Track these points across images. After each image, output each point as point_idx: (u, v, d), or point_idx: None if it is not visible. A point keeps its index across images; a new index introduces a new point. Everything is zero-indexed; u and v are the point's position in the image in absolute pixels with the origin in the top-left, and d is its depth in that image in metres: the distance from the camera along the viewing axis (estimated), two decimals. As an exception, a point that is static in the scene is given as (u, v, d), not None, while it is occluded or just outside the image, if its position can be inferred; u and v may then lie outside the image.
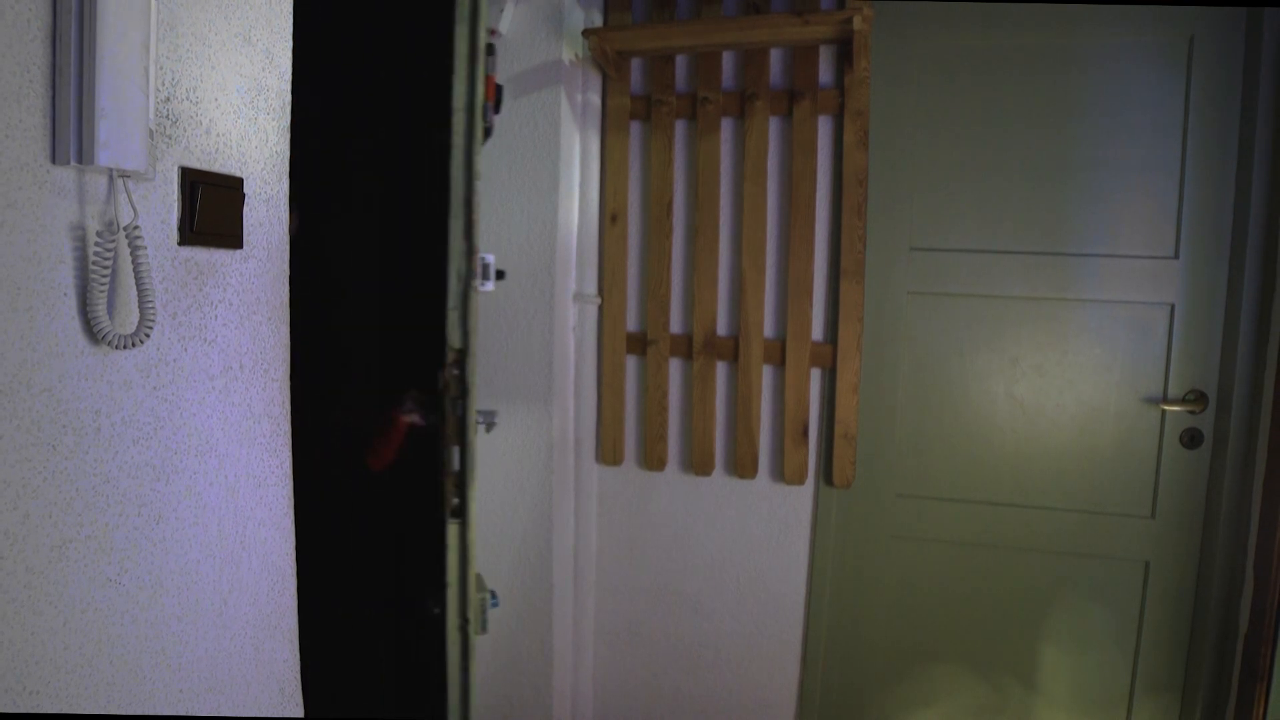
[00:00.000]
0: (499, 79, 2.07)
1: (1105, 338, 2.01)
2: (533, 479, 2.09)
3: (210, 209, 0.91)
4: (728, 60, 2.15)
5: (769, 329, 2.16)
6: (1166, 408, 1.97)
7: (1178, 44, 1.93)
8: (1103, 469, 2.03)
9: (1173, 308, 1.96)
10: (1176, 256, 1.95)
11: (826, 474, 2.15)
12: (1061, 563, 2.06)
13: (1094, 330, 2.02)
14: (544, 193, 2.06)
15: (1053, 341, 2.04)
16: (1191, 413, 1.96)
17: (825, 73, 2.09)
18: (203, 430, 0.94)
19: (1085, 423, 2.03)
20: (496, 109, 1.70)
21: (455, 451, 1.45)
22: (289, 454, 1.11)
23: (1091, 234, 2.00)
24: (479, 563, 1.49)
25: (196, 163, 0.91)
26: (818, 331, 2.13)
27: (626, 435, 2.28)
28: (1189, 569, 1.99)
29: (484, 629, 1.48)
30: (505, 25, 2.02)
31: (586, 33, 2.02)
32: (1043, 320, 2.05)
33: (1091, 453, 2.03)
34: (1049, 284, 2.03)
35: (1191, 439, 1.97)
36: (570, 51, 2.07)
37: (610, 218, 2.23)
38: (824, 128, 2.09)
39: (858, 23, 1.84)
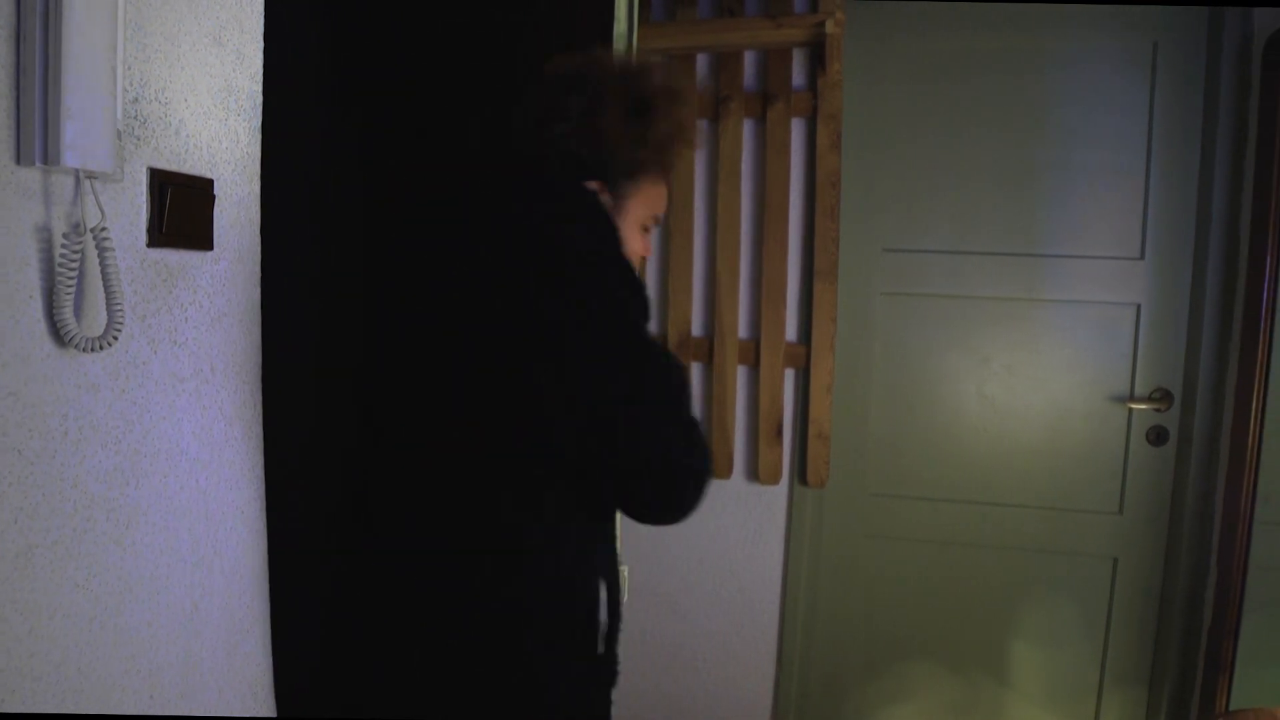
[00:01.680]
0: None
1: (1074, 337, 2.05)
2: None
3: (180, 210, 0.90)
4: (702, 62, 2.16)
5: (743, 330, 2.17)
6: (1133, 406, 2.01)
7: (1142, 50, 1.96)
8: (1071, 467, 2.06)
9: (1139, 308, 2.00)
10: (1142, 257, 1.99)
11: (801, 474, 2.16)
12: (1032, 559, 2.09)
13: (1063, 330, 2.05)
14: (519, 194, 2.06)
15: (1023, 341, 2.07)
16: (1157, 410, 1.99)
17: (799, 75, 2.10)
18: (173, 434, 0.93)
19: (1054, 421, 2.07)
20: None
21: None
22: (261, 457, 1.10)
23: (1060, 235, 2.04)
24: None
25: (166, 164, 0.90)
26: (792, 332, 2.15)
27: (602, 436, 2.28)
28: (1155, 564, 2.02)
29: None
30: (479, 26, 2.01)
31: (561, 34, 2.02)
32: (1013, 320, 2.08)
33: (1060, 451, 2.07)
34: (1019, 285, 2.06)
35: (1157, 436, 2.00)
36: (545, 53, 2.07)
37: (585, 219, 2.23)
38: (797, 130, 2.11)
39: (830, 26, 1.86)
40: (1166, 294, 1.98)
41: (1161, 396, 1.99)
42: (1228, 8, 1.88)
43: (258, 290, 1.08)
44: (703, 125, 2.16)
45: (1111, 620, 2.06)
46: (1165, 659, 2.01)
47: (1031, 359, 2.07)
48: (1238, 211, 1.88)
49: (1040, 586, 2.10)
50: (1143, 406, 2.00)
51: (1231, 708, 1.80)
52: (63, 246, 0.76)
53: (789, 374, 2.16)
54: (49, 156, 0.73)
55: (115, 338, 0.80)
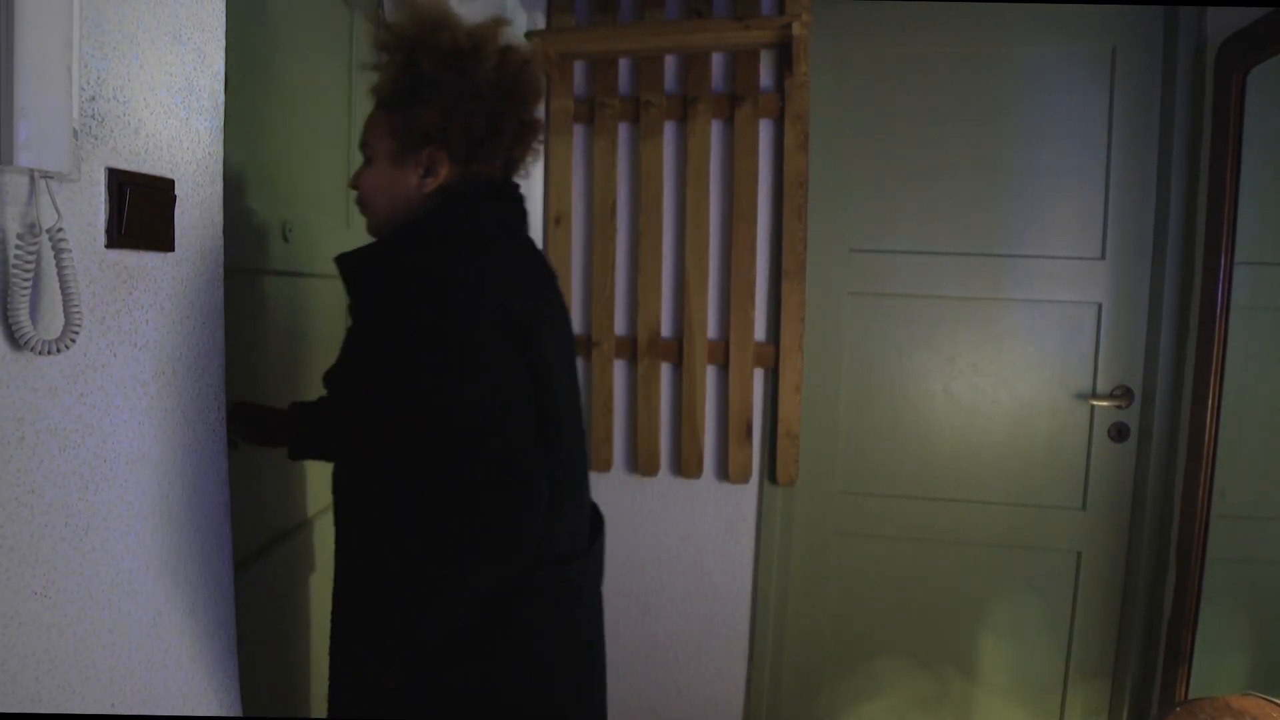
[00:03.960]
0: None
1: (1037, 336, 2.08)
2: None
3: (140, 211, 0.89)
4: (670, 64, 2.16)
5: (712, 330, 2.18)
6: (1095, 403, 2.04)
7: (1101, 54, 2.00)
8: (1036, 463, 2.10)
9: (1100, 307, 2.04)
10: (1103, 258, 2.03)
11: (770, 472, 2.18)
12: (998, 555, 2.13)
13: (1026, 329, 2.09)
14: (487, 195, 2.05)
15: (988, 340, 2.10)
16: (1119, 408, 2.03)
17: (766, 77, 2.12)
18: (134, 437, 0.92)
19: (1019, 418, 2.10)
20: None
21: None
22: (225, 460, 1.09)
23: (1023, 236, 2.07)
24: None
25: (125, 164, 0.89)
26: (760, 332, 2.16)
27: (573, 437, 2.27)
28: (1118, 558, 2.06)
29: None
30: (447, 26, 2.00)
31: (529, 35, 2.02)
32: (978, 320, 2.11)
33: (1025, 447, 2.10)
34: (983, 284, 2.09)
35: (1119, 433, 2.04)
36: (513, 53, 2.06)
37: (554, 220, 2.23)
38: (765, 131, 2.13)
39: (797, 28, 1.88)
40: (1126, 293, 2.02)
41: (1122, 394, 2.03)
42: (1182, 13, 1.92)
43: (220, 292, 1.07)
44: (671, 126, 2.17)
45: (1076, 613, 2.10)
46: (1127, 650, 2.05)
47: (996, 357, 2.10)
48: (1194, 212, 1.92)
49: (1006, 581, 2.13)
50: (1104, 404, 2.04)
51: (1191, 696, 1.84)
52: (17, 248, 0.74)
53: (758, 373, 2.17)
54: (2, 156, 0.72)
55: (73, 340, 0.79)
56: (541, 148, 1.29)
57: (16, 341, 0.75)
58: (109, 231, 0.87)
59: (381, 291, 1.05)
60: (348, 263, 1.10)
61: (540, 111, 1.22)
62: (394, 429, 1.02)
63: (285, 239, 1.57)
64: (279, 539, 1.73)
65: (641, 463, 2.22)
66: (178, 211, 0.97)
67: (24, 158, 0.73)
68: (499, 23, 1.15)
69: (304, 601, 1.50)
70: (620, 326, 2.23)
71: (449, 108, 1.10)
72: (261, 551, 1.70)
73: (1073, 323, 2.06)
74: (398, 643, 1.04)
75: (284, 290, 1.51)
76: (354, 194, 1.18)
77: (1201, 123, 1.91)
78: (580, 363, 2.25)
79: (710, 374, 2.19)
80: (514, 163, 1.21)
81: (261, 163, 1.42)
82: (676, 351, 2.19)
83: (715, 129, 2.15)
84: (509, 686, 1.08)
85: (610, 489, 2.27)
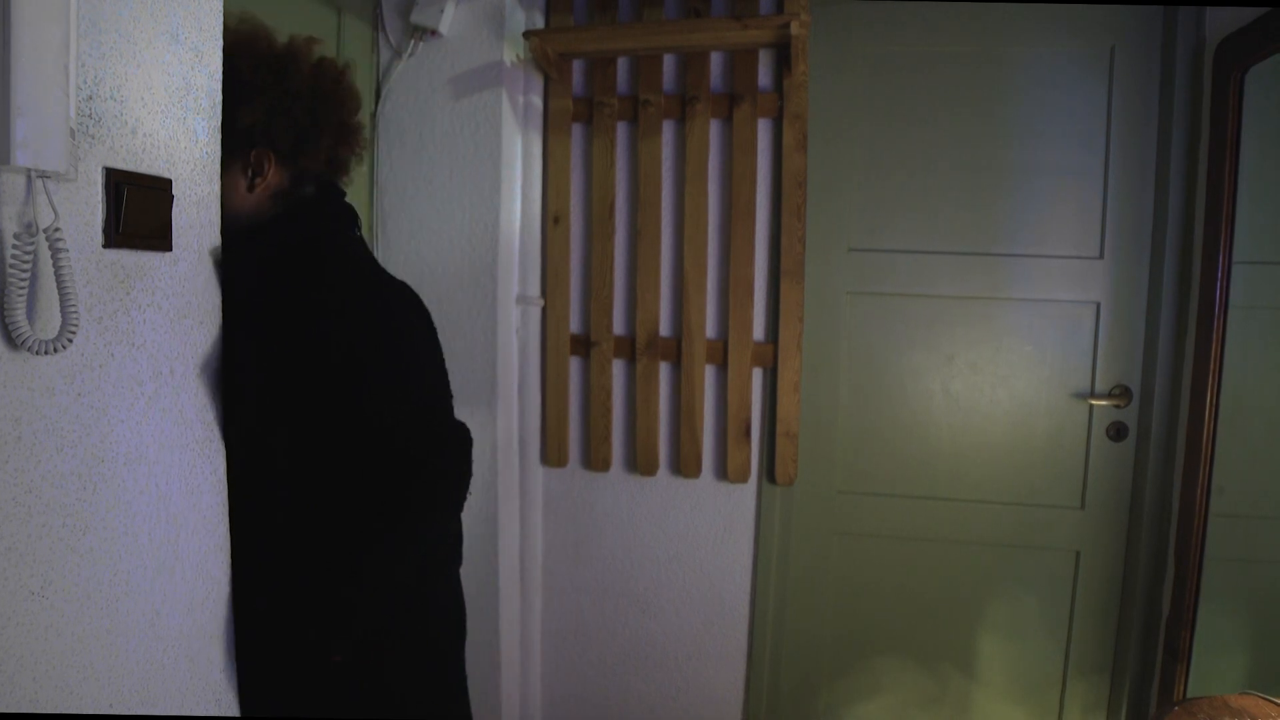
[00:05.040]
0: (440, 79, 2.05)
1: (1036, 335, 2.08)
2: (477, 482, 2.07)
3: (137, 211, 0.89)
4: (669, 63, 2.16)
5: (711, 329, 2.18)
6: (1093, 402, 2.04)
7: (1100, 54, 2.00)
8: (1034, 462, 2.10)
9: (1098, 306, 2.04)
10: (1101, 257, 2.03)
11: (769, 472, 2.18)
12: (997, 554, 2.13)
13: (1025, 328, 2.09)
14: (486, 195, 2.05)
15: (986, 339, 2.10)
16: (1117, 407, 2.03)
17: (765, 76, 2.12)
18: (131, 437, 0.92)
19: (1018, 418, 2.10)
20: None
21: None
22: (223, 460, 1.09)
23: (1022, 235, 2.07)
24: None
25: (122, 163, 0.89)
26: (759, 331, 2.16)
27: (571, 437, 2.28)
28: (1116, 557, 2.07)
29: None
30: (445, 26, 2.00)
31: (528, 34, 2.02)
32: (976, 319, 2.11)
33: (1024, 447, 2.10)
34: (982, 284, 2.09)
35: (1117, 432, 2.04)
36: (512, 53, 2.07)
37: (553, 220, 2.23)
38: (764, 130, 2.12)
39: (795, 28, 1.88)
40: (1125, 293, 2.02)
41: (1121, 393, 2.03)
42: (1181, 12, 1.92)
43: (218, 291, 1.07)
44: (670, 125, 2.17)
45: (1074, 612, 2.10)
46: (1126, 649, 2.05)
47: (995, 357, 2.10)
48: (1193, 212, 1.92)
49: (1005, 580, 2.13)
50: (1103, 403, 2.04)
51: (1189, 695, 1.84)
52: (14, 247, 0.74)
53: (756, 373, 2.17)
54: (-1, 155, 0.72)
55: (70, 340, 0.79)
56: (364, 154, 1.38)
57: (13, 341, 0.75)
58: (106, 231, 0.87)
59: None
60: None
61: (361, 118, 1.31)
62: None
63: None
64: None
65: (640, 462, 2.22)
66: (175, 211, 0.97)
67: (21, 157, 0.73)
68: (312, 40, 1.25)
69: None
70: (619, 326, 2.23)
71: (269, 107, 1.16)
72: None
73: (1071, 322, 2.06)
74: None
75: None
76: None
77: (1200, 122, 1.91)
78: (579, 362, 2.26)
79: (709, 373, 2.19)
80: (337, 163, 1.28)
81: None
82: (675, 351, 2.19)
83: (714, 128, 2.15)
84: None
85: (609, 489, 2.28)
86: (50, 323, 0.81)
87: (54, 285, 0.79)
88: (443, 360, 1.29)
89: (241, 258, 1.11)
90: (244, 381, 1.09)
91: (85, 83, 0.84)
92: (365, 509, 1.13)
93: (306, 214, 1.22)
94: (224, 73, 1.08)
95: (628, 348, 2.22)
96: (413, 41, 2.03)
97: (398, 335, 1.19)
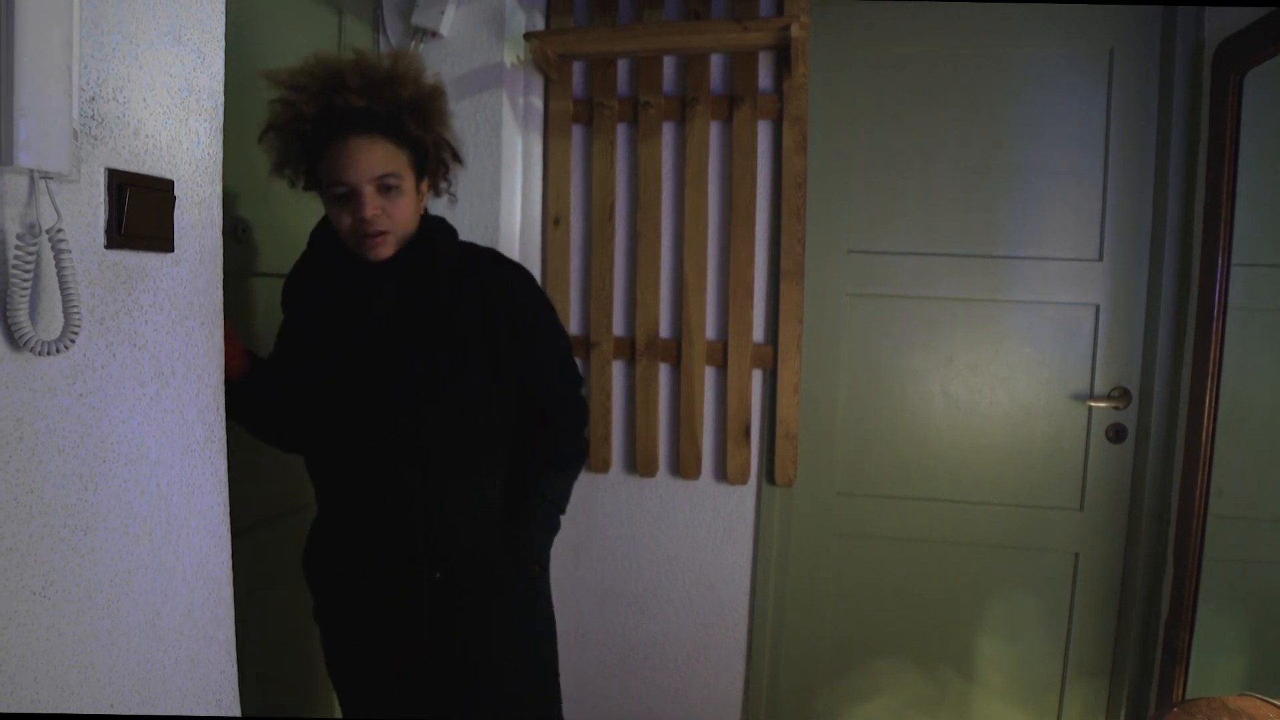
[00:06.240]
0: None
1: (1035, 337, 2.08)
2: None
3: (139, 212, 0.89)
4: (669, 65, 2.17)
5: (711, 331, 2.18)
6: (1093, 404, 2.05)
7: (1099, 56, 2.01)
8: (1034, 464, 2.10)
9: (1098, 308, 2.04)
10: (1101, 259, 2.03)
11: (769, 473, 2.18)
12: (996, 556, 2.13)
13: (1024, 330, 2.09)
14: (486, 196, 2.05)
15: (986, 341, 2.10)
16: (1116, 409, 2.04)
17: (765, 78, 2.12)
18: (133, 437, 0.92)
19: (1017, 419, 2.10)
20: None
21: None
22: (224, 460, 1.09)
23: (1021, 237, 2.07)
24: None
25: (124, 164, 0.89)
26: (759, 333, 2.16)
27: (572, 438, 2.27)
28: (1115, 559, 2.07)
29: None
30: (445, 28, 2.00)
31: (528, 36, 2.02)
32: (976, 321, 2.11)
33: (1023, 449, 2.10)
34: (981, 285, 2.09)
35: (1116, 434, 2.04)
36: (512, 54, 2.07)
37: (553, 221, 2.23)
38: (763, 132, 2.13)
39: (795, 30, 1.88)
40: (1124, 294, 2.02)
41: (1120, 395, 2.03)
42: (1180, 13, 1.93)
43: (220, 292, 1.07)
44: (670, 127, 2.17)
45: (1073, 614, 2.10)
46: (1125, 651, 2.05)
47: (994, 359, 2.10)
48: (1191, 214, 1.93)
49: (1004, 582, 2.13)
50: (1102, 405, 2.04)
51: (1188, 696, 1.85)
52: (16, 248, 0.75)
53: (756, 374, 2.17)
54: (1, 156, 0.72)
55: (72, 340, 0.79)
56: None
57: (16, 342, 0.75)
58: (108, 232, 0.87)
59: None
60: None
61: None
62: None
63: (238, 239, 1.58)
64: (278, 539, 1.73)
65: (640, 464, 2.23)
66: (177, 212, 0.97)
67: (24, 158, 0.73)
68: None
69: (303, 601, 1.50)
70: (619, 327, 2.23)
71: (439, 132, 1.39)
72: (261, 551, 1.70)
73: (1071, 324, 2.06)
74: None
75: (231, 290, 1.51)
76: (366, 224, 1.30)
77: (1199, 124, 1.91)
78: (579, 363, 2.26)
79: (709, 375, 2.19)
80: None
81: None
82: (675, 352, 2.19)
83: (714, 130, 2.15)
84: None
85: (608, 490, 2.28)
86: (52, 323, 0.81)
87: (56, 286, 0.79)
88: None
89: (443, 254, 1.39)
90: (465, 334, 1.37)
91: (88, 84, 0.84)
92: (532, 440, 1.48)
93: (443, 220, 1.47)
94: (389, 99, 1.29)
95: (627, 349, 2.22)
96: (413, 43, 2.04)
97: (549, 304, 1.55)
